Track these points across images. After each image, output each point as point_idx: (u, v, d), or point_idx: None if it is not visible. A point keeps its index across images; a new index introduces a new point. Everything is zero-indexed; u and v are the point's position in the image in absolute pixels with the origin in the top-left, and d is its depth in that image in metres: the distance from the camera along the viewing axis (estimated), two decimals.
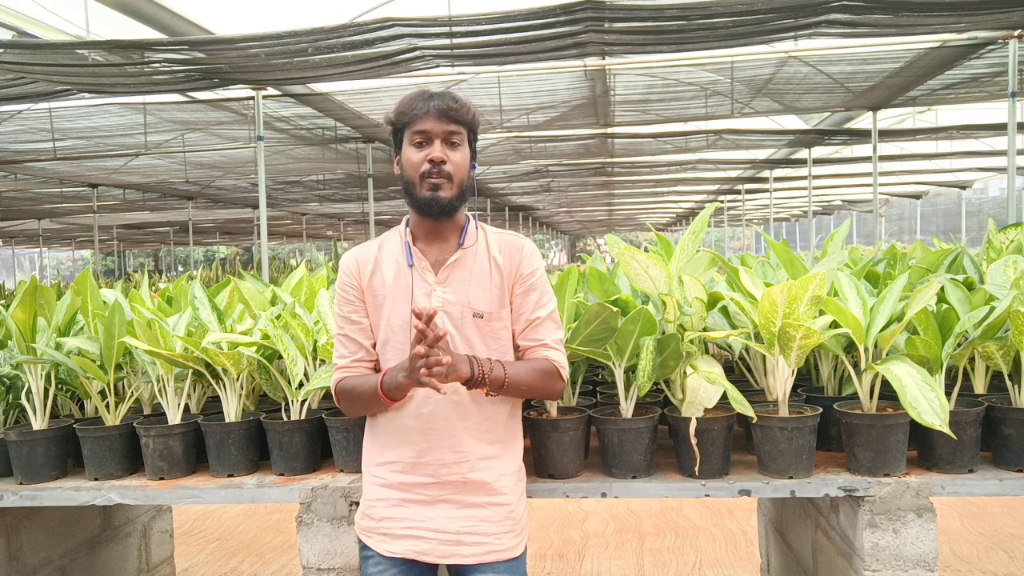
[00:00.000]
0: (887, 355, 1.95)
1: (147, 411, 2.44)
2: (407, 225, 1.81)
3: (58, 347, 2.30)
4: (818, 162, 14.55)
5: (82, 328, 2.48)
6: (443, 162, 1.68)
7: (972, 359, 2.22)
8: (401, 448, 1.77)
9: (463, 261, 1.77)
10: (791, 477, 1.94)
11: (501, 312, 1.77)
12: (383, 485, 1.79)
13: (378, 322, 1.78)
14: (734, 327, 2.23)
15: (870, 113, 9.98)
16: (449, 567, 1.79)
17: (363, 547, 1.81)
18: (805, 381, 2.40)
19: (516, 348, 1.82)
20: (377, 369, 1.81)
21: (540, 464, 2.05)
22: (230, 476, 2.16)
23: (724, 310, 2.27)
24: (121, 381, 2.39)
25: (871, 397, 1.97)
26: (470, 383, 1.65)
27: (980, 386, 2.21)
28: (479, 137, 1.84)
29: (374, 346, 1.81)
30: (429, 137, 1.70)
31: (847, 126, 12.03)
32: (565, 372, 1.80)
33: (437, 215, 1.73)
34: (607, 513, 4.37)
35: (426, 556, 1.74)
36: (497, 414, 1.78)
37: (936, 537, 1.87)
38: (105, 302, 2.47)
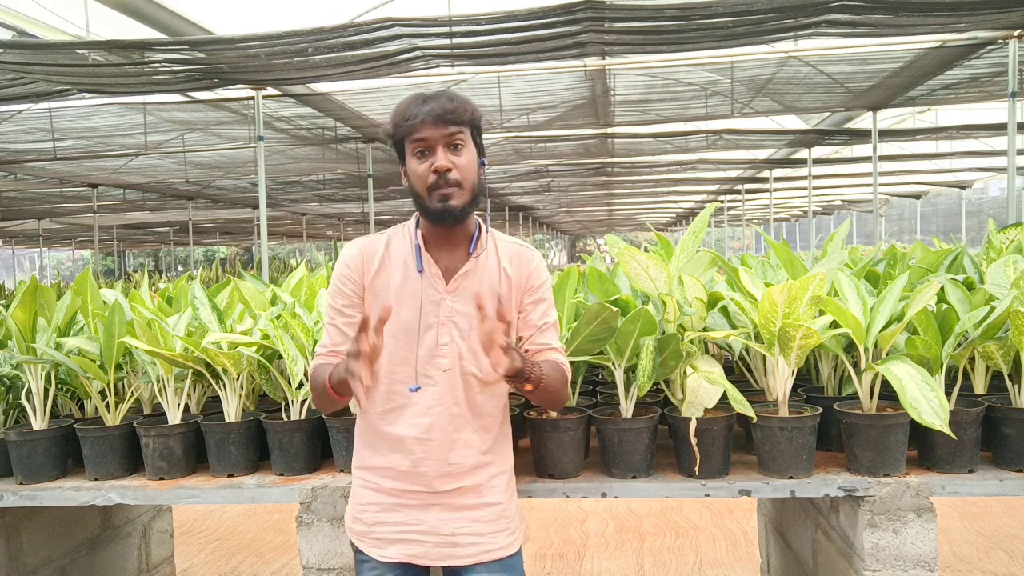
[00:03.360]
0: (887, 355, 1.95)
1: (147, 411, 2.45)
2: (417, 225, 1.74)
3: (58, 347, 2.30)
4: (818, 162, 14.54)
5: (82, 328, 2.48)
6: (449, 170, 1.62)
7: (972, 359, 2.22)
8: (395, 455, 1.72)
9: (474, 272, 1.71)
10: (791, 477, 1.94)
11: None
12: (374, 489, 1.76)
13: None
14: (734, 327, 2.23)
15: (870, 113, 9.98)
16: (444, 569, 1.77)
17: (357, 551, 1.79)
18: (805, 381, 2.40)
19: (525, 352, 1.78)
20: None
21: (540, 464, 2.05)
22: (230, 476, 2.16)
23: (724, 310, 2.27)
24: (121, 381, 2.39)
25: (871, 397, 1.97)
26: (518, 377, 1.55)
27: (980, 386, 2.21)
28: None
29: None
30: (430, 145, 1.62)
31: (847, 126, 12.02)
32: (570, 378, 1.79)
33: (452, 224, 1.68)
34: (607, 513, 4.37)
35: (421, 559, 1.73)
36: (493, 421, 1.77)
37: (936, 537, 1.87)
38: (105, 302, 2.47)
